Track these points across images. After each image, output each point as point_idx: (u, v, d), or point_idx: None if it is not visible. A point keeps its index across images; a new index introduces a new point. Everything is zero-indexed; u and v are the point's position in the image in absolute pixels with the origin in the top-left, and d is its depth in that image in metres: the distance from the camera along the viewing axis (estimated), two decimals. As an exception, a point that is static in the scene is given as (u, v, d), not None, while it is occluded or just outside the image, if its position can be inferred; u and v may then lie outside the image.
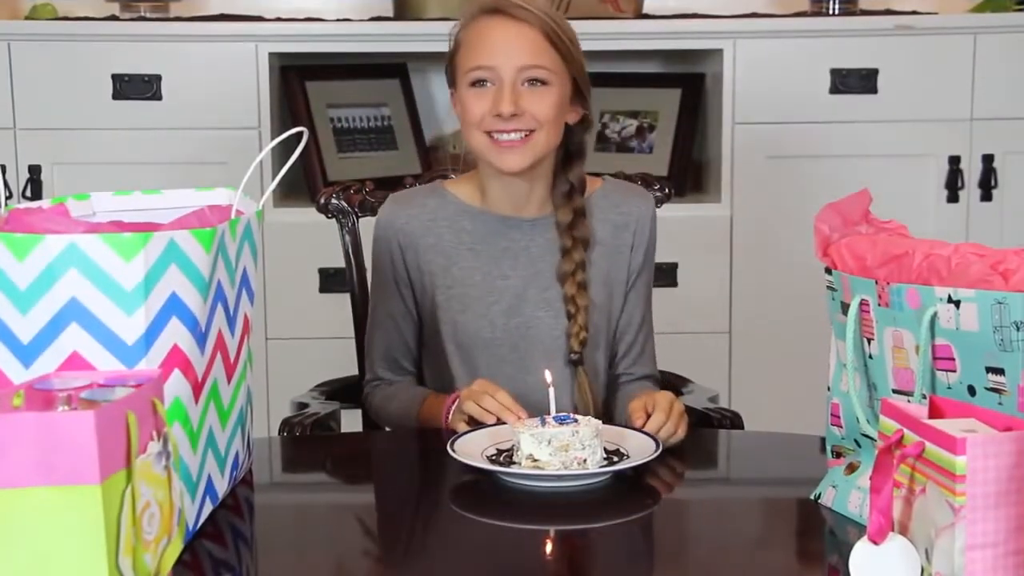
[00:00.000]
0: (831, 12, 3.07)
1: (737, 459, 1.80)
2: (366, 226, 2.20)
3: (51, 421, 1.05)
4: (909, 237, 1.42)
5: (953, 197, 2.97)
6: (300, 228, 2.87)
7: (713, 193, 3.04)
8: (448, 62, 1.90)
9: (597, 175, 2.08)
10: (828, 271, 1.45)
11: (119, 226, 1.31)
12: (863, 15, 3.05)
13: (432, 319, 1.96)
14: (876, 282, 1.37)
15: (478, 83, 1.84)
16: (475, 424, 1.70)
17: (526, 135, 1.84)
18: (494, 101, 1.82)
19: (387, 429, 1.99)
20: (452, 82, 1.91)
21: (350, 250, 2.18)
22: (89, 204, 1.52)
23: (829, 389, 1.48)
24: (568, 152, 1.93)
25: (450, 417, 1.79)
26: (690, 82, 3.16)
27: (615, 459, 1.56)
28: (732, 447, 1.83)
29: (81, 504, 1.05)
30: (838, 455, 1.48)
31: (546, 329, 1.93)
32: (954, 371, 1.29)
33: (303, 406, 2.05)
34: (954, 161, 2.96)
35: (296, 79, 3.05)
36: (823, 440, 1.53)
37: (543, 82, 1.84)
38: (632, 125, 3.16)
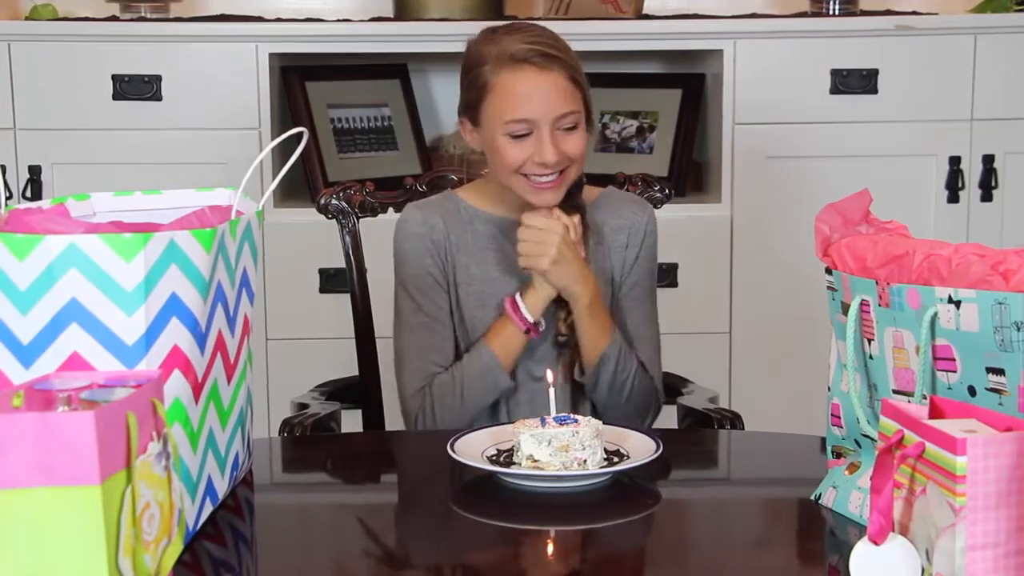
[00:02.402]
0: (831, 12, 3.07)
1: (737, 459, 1.80)
2: (366, 227, 2.21)
3: (51, 421, 1.05)
4: (909, 237, 1.42)
5: (954, 197, 2.97)
6: (300, 228, 2.87)
7: (713, 193, 3.04)
8: (472, 98, 1.93)
9: (600, 184, 2.10)
10: (828, 271, 1.45)
11: (119, 226, 1.31)
12: (863, 15, 3.05)
13: (455, 317, 2.00)
14: (876, 282, 1.37)
15: (516, 133, 1.89)
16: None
17: (560, 173, 1.91)
18: (536, 151, 1.89)
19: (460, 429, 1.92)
20: (475, 119, 1.94)
21: (350, 250, 2.18)
22: (89, 204, 1.52)
23: (829, 389, 1.48)
24: None
25: (521, 297, 1.92)
26: (690, 82, 3.16)
27: (615, 459, 1.56)
28: (732, 447, 1.83)
29: (81, 504, 1.05)
30: (838, 455, 1.48)
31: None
32: (954, 371, 1.29)
33: (303, 406, 2.05)
34: (954, 161, 2.96)
35: (296, 79, 3.05)
36: (823, 440, 1.53)
37: (574, 124, 1.91)
38: (632, 125, 3.16)
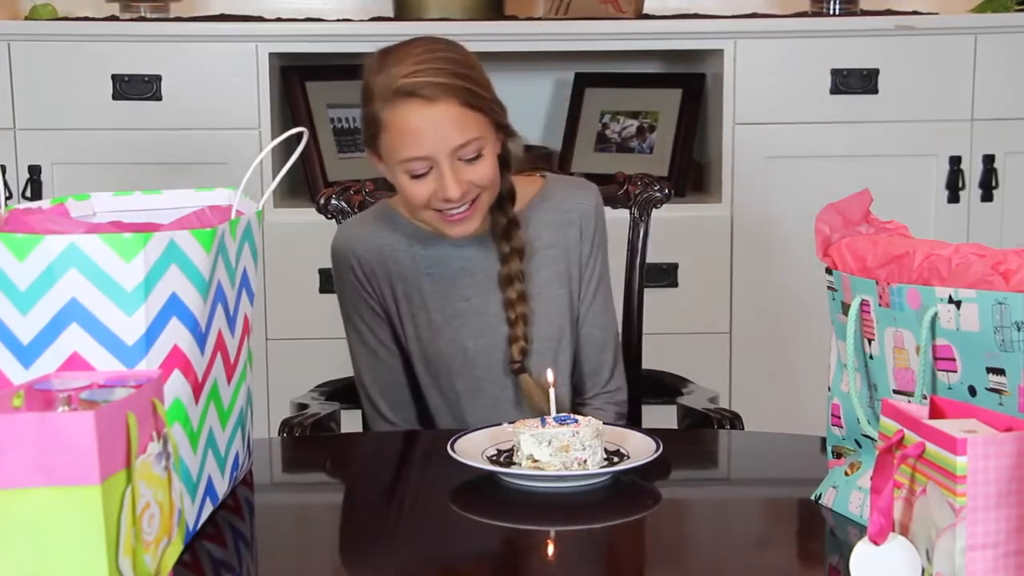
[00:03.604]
0: (831, 12, 3.07)
1: (737, 459, 1.80)
2: (366, 226, 2.20)
3: (51, 421, 1.05)
4: (910, 237, 1.42)
5: (954, 197, 2.97)
6: (300, 228, 2.87)
7: (713, 193, 3.04)
8: (370, 134, 1.84)
9: (537, 171, 2.06)
10: (829, 271, 1.45)
11: (119, 226, 1.30)
12: (863, 15, 3.05)
13: (405, 348, 1.96)
14: (877, 282, 1.37)
15: (415, 172, 1.81)
16: None
17: (471, 202, 1.83)
18: (439, 186, 1.80)
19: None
20: (377, 154, 1.85)
21: (350, 250, 2.17)
22: (89, 204, 1.52)
23: (829, 389, 1.48)
24: None
25: None
26: (690, 82, 3.16)
27: (615, 459, 1.55)
28: (732, 447, 1.83)
29: (81, 504, 1.05)
30: (839, 455, 1.48)
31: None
32: (955, 371, 1.29)
33: (303, 407, 2.05)
34: (955, 161, 2.96)
35: (296, 79, 3.05)
36: (823, 440, 1.53)
37: (477, 152, 1.81)
38: (632, 125, 3.15)
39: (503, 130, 1.87)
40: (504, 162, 1.91)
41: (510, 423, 1.60)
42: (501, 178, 1.89)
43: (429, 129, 1.78)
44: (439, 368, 1.94)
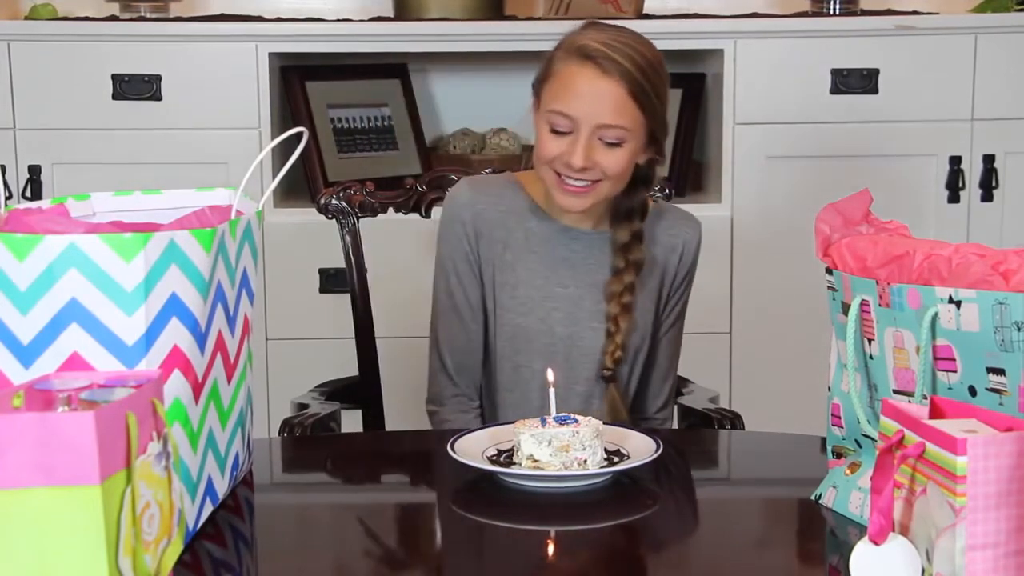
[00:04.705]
0: (831, 12, 3.06)
1: (737, 459, 1.80)
2: (366, 227, 2.21)
3: (51, 421, 1.05)
4: (910, 237, 1.42)
5: (954, 197, 2.97)
6: (300, 228, 2.87)
7: (713, 193, 3.04)
8: (539, 77, 1.90)
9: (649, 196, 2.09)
10: (829, 271, 1.45)
11: (119, 226, 1.30)
12: (863, 15, 3.05)
13: (489, 318, 1.97)
14: (877, 282, 1.37)
15: (556, 127, 1.85)
16: None
17: (592, 183, 1.86)
18: (568, 150, 1.83)
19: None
20: (538, 98, 1.90)
21: (350, 250, 2.18)
22: (89, 204, 1.52)
23: (829, 389, 1.48)
24: (634, 178, 1.93)
25: None
26: (691, 82, 3.16)
27: (615, 459, 1.55)
28: (732, 447, 1.83)
29: (81, 504, 1.05)
30: (839, 455, 1.48)
31: (597, 342, 1.95)
32: (955, 371, 1.29)
33: (303, 406, 2.05)
34: (955, 161, 2.96)
35: (296, 79, 3.05)
36: (824, 440, 1.53)
37: (618, 142, 1.84)
38: (632, 125, 3.15)
39: (655, 145, 1.91)
40: (645, 179, 1.95)
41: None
42: (637, 193, 1.93)
43: (588, 96, 1.82)
44: (521, 343, 1.95)
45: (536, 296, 1.94)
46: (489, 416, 2.00)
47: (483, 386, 2.02)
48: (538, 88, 1.90)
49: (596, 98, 1.82)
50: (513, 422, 1.59)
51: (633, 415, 2.02)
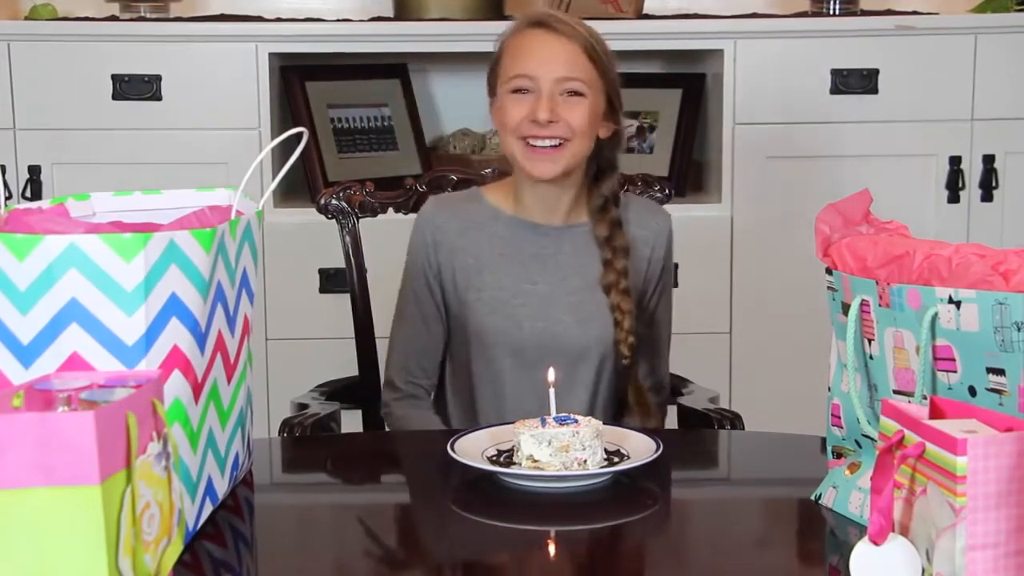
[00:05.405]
0: (831, 12, 3.06)
1: (737, 459, 1.80)
2: (366, 227, 2.21)
3: (51, 421, 1.05)
4: (910, 237, 1.42)
5: (954, 197, 2.97)
6: (300, 228, 2.87)
7: (713, 193, 3.04)
8: (491, 70, 1.97)
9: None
10: (829, 271, 1.45)
11: (119, 226, 1.30)
12: (863, 15, 3.05)
13: (459, 320, 2.00)
14: (877, 282, 1.37)
15: (519, 91, 1.91)
16: None
17: (560, 144, 1.90)
18: (532, 108, 1.89)
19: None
20: (492, 90, 1.97)
21: (350, 250, 2.18)
22: (89, 204, 1.52)
23: (829, 389, 1.48)
24: (600, 167, 1.98)
25: None
26: (690, 82, 3.16)
27: (615, 460, 1.55)
28: (732, 447, 1.83)
29: (81, 504, 1.05)
30: (839, 455, 1.48)
31: (572, 334, 1.97)
32: (955, 372, 1.29)
33: (303, 407, 2.05)
34: (955, 161, 2.96)
35: (296, 79, 3.05)
36: (823, 440, 1.53)
37: (579, 93, 1.90)
38: (632, 125, 3.15)
39: (614, 116, 1.96)
40: (610, 166, 1.99)
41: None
42: (605, 181, 1.97)
43: (544, 52, 1.90)
44: (489, 341, 1.97)
45: (502, 295, 1.97)
46: (465, 414, 2.02)
47: (457, 384, 2.04)
48: (492, 79, 1.96)
49: (552, 54, 1.89)
50: (513, 422, 1.59)
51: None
